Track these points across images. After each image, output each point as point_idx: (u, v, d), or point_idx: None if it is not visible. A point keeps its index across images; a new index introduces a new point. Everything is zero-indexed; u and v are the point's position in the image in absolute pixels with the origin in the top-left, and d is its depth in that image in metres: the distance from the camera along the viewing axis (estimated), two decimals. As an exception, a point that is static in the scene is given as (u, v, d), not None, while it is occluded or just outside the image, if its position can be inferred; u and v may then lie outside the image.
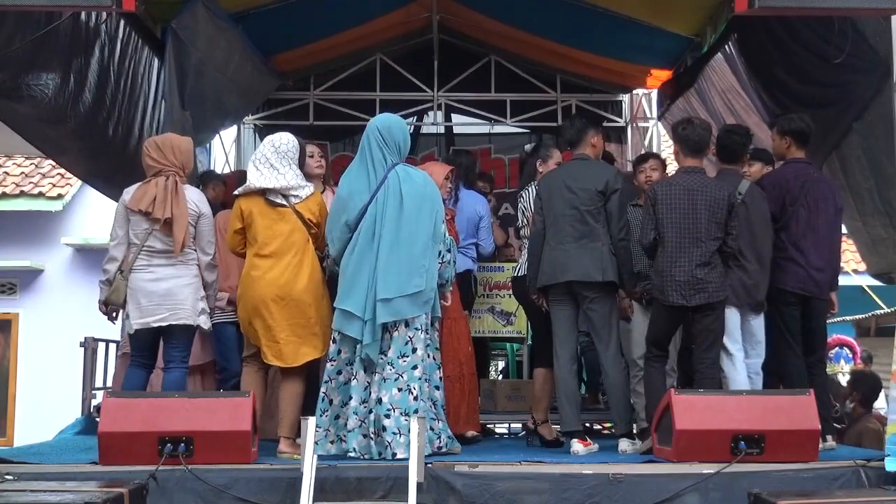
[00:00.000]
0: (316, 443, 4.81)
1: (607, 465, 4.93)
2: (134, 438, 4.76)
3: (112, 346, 6.99)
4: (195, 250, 5.44)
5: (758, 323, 5.62)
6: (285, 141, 5.47)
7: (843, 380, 9.18)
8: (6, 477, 4.47)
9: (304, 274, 5.30)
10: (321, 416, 5.16)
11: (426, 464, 4.71)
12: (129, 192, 5.43)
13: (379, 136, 5.28)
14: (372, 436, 5.05)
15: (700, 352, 5.48)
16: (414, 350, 5.11)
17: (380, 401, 5.05)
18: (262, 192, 5.35)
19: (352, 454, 5.03)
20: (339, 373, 5.21)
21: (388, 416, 5.01)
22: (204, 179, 7.68)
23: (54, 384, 10.51)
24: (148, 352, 5.48)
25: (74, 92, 6.38)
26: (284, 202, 5.34)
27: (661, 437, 5.15)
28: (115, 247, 5.40)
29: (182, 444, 4.72)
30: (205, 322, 5.44)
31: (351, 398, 5.12)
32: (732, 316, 5.51)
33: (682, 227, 5.41)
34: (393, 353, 5.10)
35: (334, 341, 5.22)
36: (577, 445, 5.61)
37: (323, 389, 5.23)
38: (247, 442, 4.86)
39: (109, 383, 6.79)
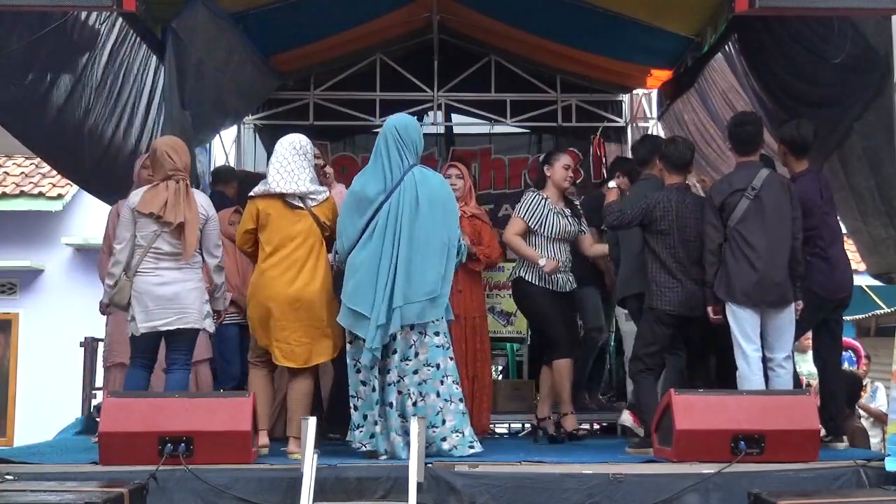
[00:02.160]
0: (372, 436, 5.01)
1: (607, 465, 4.93)
2: (134, 438, 4.76)
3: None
4: (201, 254, 5.46)
5: (784, 317, 5.48)
6: (304, 143, 5.50)
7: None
8: (6, 477, 4.47)
9: (318, 276, 5.33)
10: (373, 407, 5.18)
11: (426, 464, 4.71)
12: (137, 195, 5.43)
13: (397, 135, 5.31)
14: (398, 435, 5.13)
15: (697, 360, 5.84)
16: (416, 355, 5.16)
17: (391, 404, 5.14)
18: (282, 195, 5.37)
19: (383, 455, 5.12)
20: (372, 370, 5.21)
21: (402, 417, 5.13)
22: (223, 177, 7.67)
23: (54, 384, 10.51)
24: (151, 353, 5.48)
25: (70, 93, 6.38)
26: (302, 205, 5.37)
27: (661, 437, 5.15)
28: (122, 250, 5.38)
29: (182, 444, 4.72)
30: (210, 325, 5.50)
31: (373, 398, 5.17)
32: (749, 317, 5.45)
33: (681, 242, 5.66)
34: (399, 356, 5.15)
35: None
36: (626, 415, 5.92)
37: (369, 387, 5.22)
38: (247, 442, 4.86)
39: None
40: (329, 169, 6.12)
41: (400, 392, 5.13)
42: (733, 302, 5.44)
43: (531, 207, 6.32)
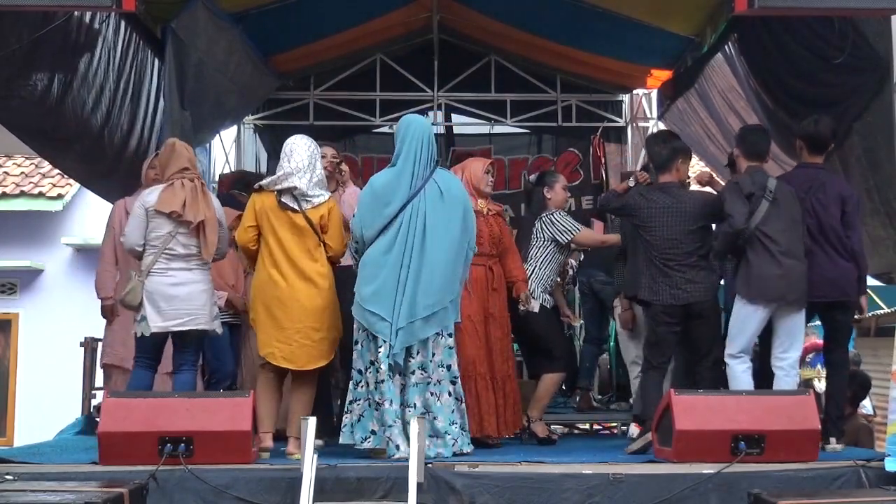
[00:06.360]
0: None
1: (607, 465, 4.94)
2: (134, 438, 4.76)
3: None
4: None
5: (797, 320, 5.54)
6: (315, 146, 5.47)
7: (819, 385, 9.09)
8: (6, 477, 4.47)
9: (320, 280, 5.28)
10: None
11: (426, 464, 4.71)
12: (153, 194, 5.36)
13: (424, 137, 5.32)
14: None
15: (700, 356, 5.80)
16: (433, 355, 5.19)
17: (414, 405, 5.11)
18: (278, 193, 5.30)
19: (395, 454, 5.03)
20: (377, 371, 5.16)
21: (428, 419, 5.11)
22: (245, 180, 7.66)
23: (54, 384, 10.51)
24: (156, 354, 5.47)
25: (70, 93, 6.37)
26: (296, 206, 5.29)
27: (661, 437, 5.15)
28: (136, 248, 5.35)
29: (182, 444, 4.72)
30: (218, 327, 5.50)
31: (387, 399, 5.11)
32: (757, 319, 5.50)
33: (664, 239, 5.71)
34: (419, 358, 5.16)
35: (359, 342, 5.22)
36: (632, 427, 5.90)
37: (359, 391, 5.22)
38: (247, 442, 4.86)
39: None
40: (345, 167, 6.10)
41: (432, 393, 5.15)
42: (749, 300, 5.49)
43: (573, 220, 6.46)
